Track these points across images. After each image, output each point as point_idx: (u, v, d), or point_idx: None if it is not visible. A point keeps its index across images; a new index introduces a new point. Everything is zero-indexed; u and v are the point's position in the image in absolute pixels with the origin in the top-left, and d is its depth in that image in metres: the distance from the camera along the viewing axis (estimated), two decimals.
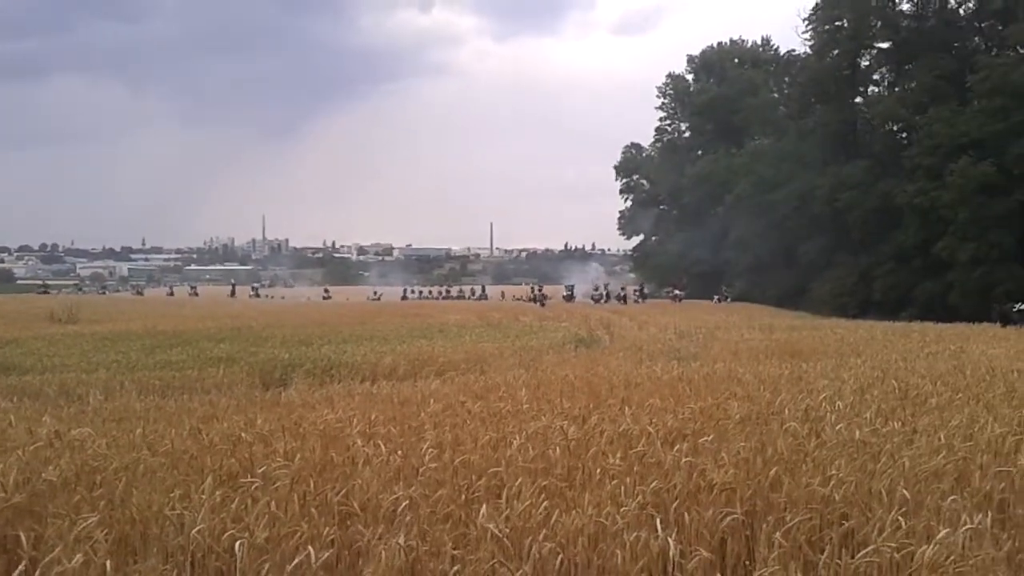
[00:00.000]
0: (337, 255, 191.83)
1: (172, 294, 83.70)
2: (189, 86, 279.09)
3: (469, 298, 74.14)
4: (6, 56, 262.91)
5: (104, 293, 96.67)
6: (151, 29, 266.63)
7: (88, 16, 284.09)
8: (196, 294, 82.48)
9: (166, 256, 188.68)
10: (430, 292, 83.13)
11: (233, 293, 78.32)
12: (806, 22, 52.40)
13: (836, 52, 50.80)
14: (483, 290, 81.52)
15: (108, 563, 4.12)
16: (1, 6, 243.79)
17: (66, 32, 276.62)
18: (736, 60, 76.16)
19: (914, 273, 42.66)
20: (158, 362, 16.26)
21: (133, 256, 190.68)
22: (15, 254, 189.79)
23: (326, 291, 79.28)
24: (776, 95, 66.39)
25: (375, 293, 76.31)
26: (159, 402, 10.56)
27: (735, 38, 78.59)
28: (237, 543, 4.29)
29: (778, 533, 4.53)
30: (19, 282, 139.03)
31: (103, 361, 16.20)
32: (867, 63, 52.64)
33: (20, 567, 4.18)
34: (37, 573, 4.08)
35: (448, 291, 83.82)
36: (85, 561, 4.10)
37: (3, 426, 8.10)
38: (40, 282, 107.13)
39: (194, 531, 4.54)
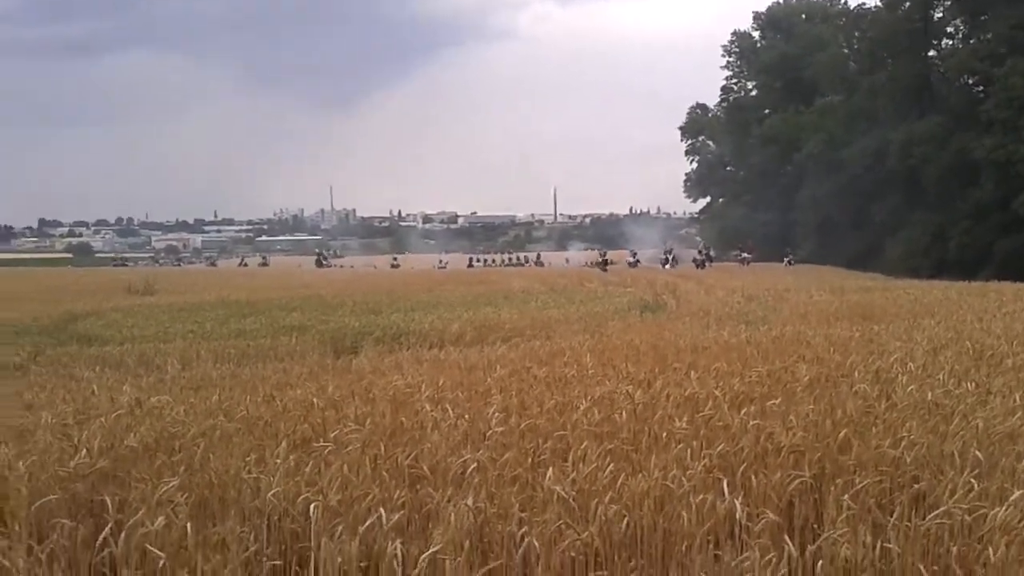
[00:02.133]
0: (403, 224, 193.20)
1: (245, 264, 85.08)
2: (254, 57, 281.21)
3: (524, 265, 74.03)
4: (73, 35, 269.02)
5: (179, 265, 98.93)
6: (212, 1, 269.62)
7: None
8: (266, 264, 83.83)
9: (237, 227, 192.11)
10: (492, 260, 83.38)
11: (320, 263, 77.32)
12: None
13: (908, 4, 49.21)
14: (538, 257, 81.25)
15: (188, 525, 4.28)
16: None
17: (130, 8, 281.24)
18: (804, 15, 74.16)
19: (991, 231, 41.41)
20: (232, 331, 16.64)
21: (206, 228, 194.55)
22: (92, 228, 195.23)
23: (395, 259, 79.94)
24: (846, 50, 64.38)
25: (441, 261, 76.78)
26: (234, 370, 10.86)
27: None
28: (311, 505, 4.41)
29: (846, 496, 4.51)
30: (97, 255, 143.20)
31: (179, 331, 16.64)
32: (940, 15, 50.91)
33: (106, 529, 4.36)
34: (122, 535, 4.25)
35: (509, 259, 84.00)
36: (167, 524, 4.26)
37: (87, 395, 8.45)
38: (116, 255, 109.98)
39: (269, 494, 4.69)
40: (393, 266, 72.20)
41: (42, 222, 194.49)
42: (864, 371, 7.95)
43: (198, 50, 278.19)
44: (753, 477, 4.85)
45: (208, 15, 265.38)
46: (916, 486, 4.84)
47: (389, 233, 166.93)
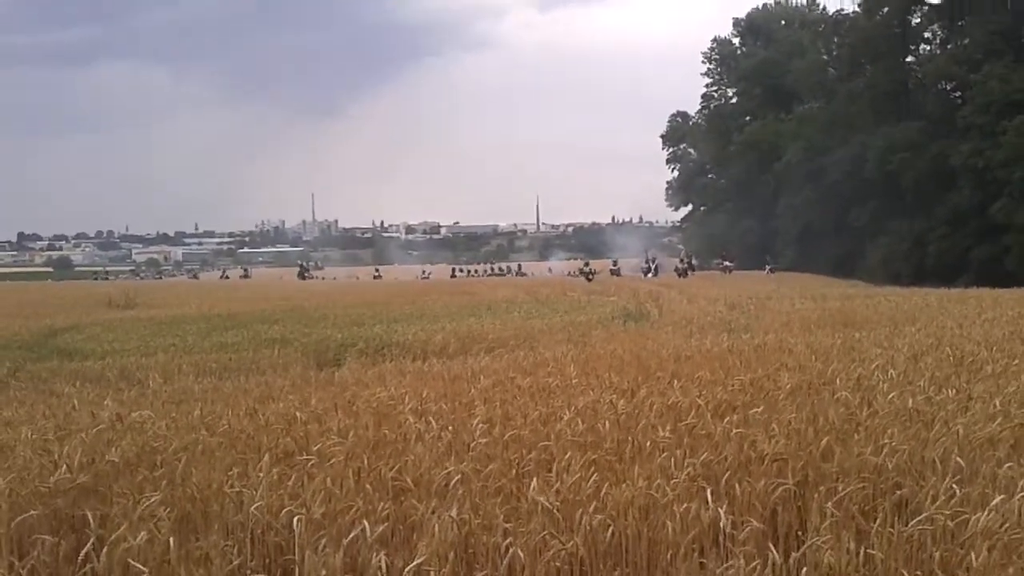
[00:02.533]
0: (386, 234, 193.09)
1: (227, 277, 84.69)
2: (233, 67, 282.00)
3: (507, 275, 74.32)
4: (53, 45, 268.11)
5: (160, 278, 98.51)
6: (191, 11, 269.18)
7: (130, 3, 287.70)
8: (248, 276, 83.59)
9: (219, 240, 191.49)
10: (475, 271, 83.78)
11: (302, 275, 76.36)
12: None
13: (886, 10, 49.76)
14: (519, 268, 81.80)
15: (172, 539, 4.26)
16: None
17: (109, 19, 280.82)
18: (783, 21, 74.82)
19: (969, 237, 41.84)
20: (214, 344, 16.56)
21: (187, 240, 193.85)
22: (72, 241, 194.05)
23: (377, 271, 80.00)
24: (825, 56, 65.03)
25: (424, 272, 76.85)
26: (216, 383, 10.80)
27: None
28: (295, 519, 4.39)
29: (830, 503, 4.52)
30: (77, 268, 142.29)
31: (161, 345, 16.54)
32: (918, 20, 51.54)
33: (88, 544, 4.33)
34: (104, 550, 4.22)
35: (492, 269, 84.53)
36: (149, 538, 4.24)
37: (67, 410, 8.36)
38: (100, 269, 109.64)
39: (253, 508, 4.67)
40: (375, 277, 72.21)
41: (21, 236, 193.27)
42: (846, 378, 7.99)
43: (178, 61, 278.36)
44: (737, 485, 4.86)
45: (188, 26, 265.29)
46: (898, 492, 4.86)
47: (371, 244, 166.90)
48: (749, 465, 5.24)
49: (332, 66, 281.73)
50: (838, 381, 7.88)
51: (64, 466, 5.52)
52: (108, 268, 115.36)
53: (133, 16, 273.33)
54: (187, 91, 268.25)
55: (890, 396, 6.86)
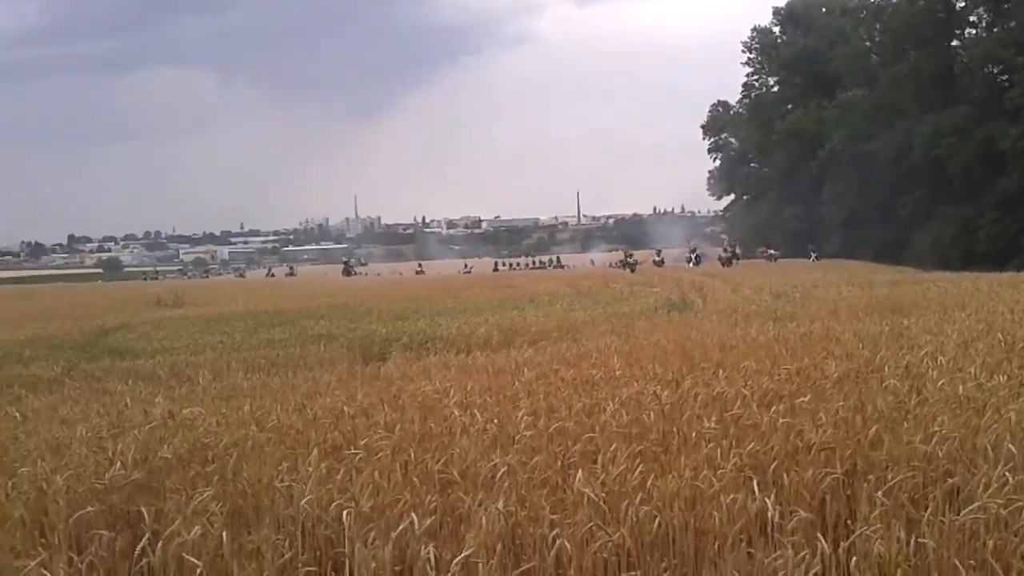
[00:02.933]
0: (428, 230, 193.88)
1: (272, 275, 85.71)
2: (276, 71, 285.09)
3: (547, 267, 74.62)
4: (101, 52, 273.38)
5: (207, 277, 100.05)
6: (236, 17, 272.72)
7: (176, 9, 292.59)
8: (293, 273, 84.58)
9: (264, 238, 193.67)
10: (516, 264, 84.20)
11: (347, 272, 76.92)
12: None
13: None
14: (557, 260, 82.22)
15: (224, 534, 4.34)
16: (95, 5, 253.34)
17: (155, 26, 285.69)
18: (824, 9, 73.75)
19: (1020, 221, 41.01)
20: (261, 341, 16.80)
21: (233, 240, 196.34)
22: (121, 242, 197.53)
23: (419, 266, 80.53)
24: (868, 43, 63.99)
25: (466, 266, 77.20)
26: (264, 380, 10.95)
27: None
28: (344, 512, 4.45)
29: (879, 492, 4.47)
30: (126, 269, 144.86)
31: (209, 342, 16.81)
32: (962, 4, 50.45)
33: (144, 540, 4.43)
34: (159, 545, 4.31)
35: (532, 262, 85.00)
36: (203, 533, 4.32)
37: (120, 407, 8.54)
38: (150, 269, 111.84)
39: (303, 502, 4.73)
40: (418, 272, 72.65)
41: (72, 238, 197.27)
42: (894, 366, 7.88)
43: (223, 65, 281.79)
44: (784, 475, 4.84)
45: (232, 30, 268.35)
46: (949, 481, 4.79)
47: (414, 240, 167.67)
48: (796, 455, 5.19)
49: (372, 68, 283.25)
50: (886, 369, 7.77)
51: (119, 463, 5.65)
52: (157, 268, 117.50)
53: (178, 23, 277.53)
54: (232, 95, 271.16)
55: (940, 383, 6.75)
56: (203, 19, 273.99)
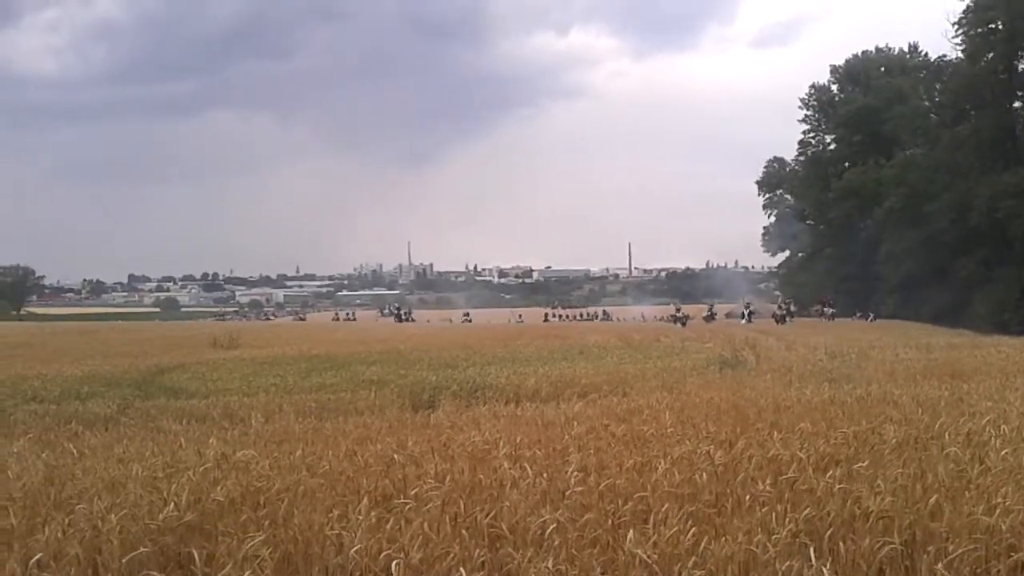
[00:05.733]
0: (479, 278, 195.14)
1: (337, 318, 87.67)
2: (334, 117, 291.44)
3: (595, 319, 75.07)
4: (165, 96, 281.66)
5: (269, 319, 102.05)
6: (296, 64, 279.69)
7: (238, 55, 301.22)
8: (353, 318, 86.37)
9: (319, 282, 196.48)
10: (565, 315, 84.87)
11: (399, 318, 78.70)
12: (956, 26, 50.11)
13: (991, 55, 48.29)
14: (604, 313, 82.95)
15: None
16: (161, 50, 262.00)
17: (218, 71, 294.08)
18: (882, 68, 73.44)
19: None
20: (313, 385, 16.93)
21: (288, 283, 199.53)
22: (179, 283, 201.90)
23: (466, 315, 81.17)
24: (927, 103, 63.45)
25: (517, 316, 77.53)
26: (316, 424, 11.00)
27: (880, 46, 76.01)
28: (393, 563, 4.45)
29: (940, 564, 4.36)
30: (183, 309, 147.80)
31: (262, 384, 16.99)
32: None
33: None
34: None
35: (580, 314, 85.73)
36: None
37: (174, 448, 8.66)
38: (218, 309, 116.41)
39: (352, 551, 4.74)
40: (465, 320, 73.07)
41: (131, 277, 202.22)
42: (954, 433, 7.68)
43: (282, 109, 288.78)
44: (841, 543, 4.73)
45: (292, 76, 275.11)
46: (1014, 556, 4.64)
47: (466, 287, 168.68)
48: (853, 522, 5.08)
49: (428, 115, 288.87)
50: (947, 435, 7.58)
51: (172, 504, 5.70)
52: (224, 309, 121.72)
53: (240, 68, 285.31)
54: (290, 140, 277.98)
55: (1003, 453, 6.58)
56: (264, 65, 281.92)
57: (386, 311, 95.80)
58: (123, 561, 4.91)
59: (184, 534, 5.41)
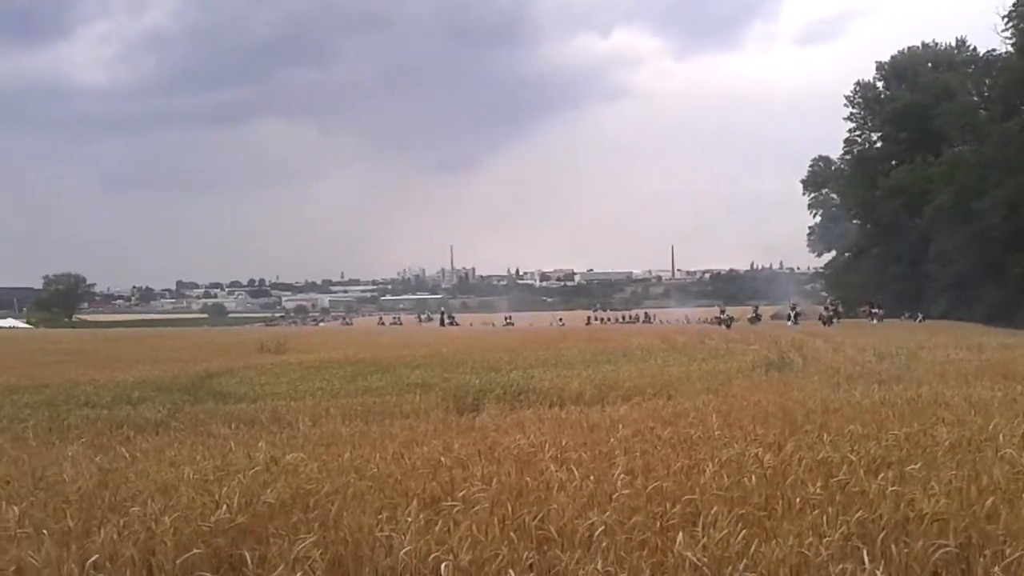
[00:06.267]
0: (521, 282, 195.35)
1: (382, 323, 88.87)
2: (377, 124, 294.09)
3: (637, 322, 74.98)
4: (211, 106, 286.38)
5: (318, 324, 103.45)
6: (339, 72, 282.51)
7: (282, 65, 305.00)
8: (399, 323, 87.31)
9: (363, 287, 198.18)
10: (607, 318, 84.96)
11: (443, 322, 78.82)
12: (1006, 19, 49.26)
13: None
14: (645, 315, 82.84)
15: None
16: (207, 62, 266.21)
17: (263, 80, 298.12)
18: (929, 64, 72.24)
19: None
20: (359, 388, 17.04)
21: (333, 288, 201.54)
22: (226, 289, 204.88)
23: (508, 318, 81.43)
24: (976, 98, 62.32)
25: (560, 320, 77.52)
26: (362, 427, 11.09)
27: (927, 41, 74.78)
28: (443, 565, 4.47)
29: (997, 567, 4.28)
30: (230, 315, 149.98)
31: (309, 388, 17.14)
32: None
33: None
34: None
35: (622, 317, 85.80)
36: None
37: (224, 451, 8.77)
38: (269, 315, 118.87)
39: (402, 552, 4.77)
40: (506, 324, 73.25)
41: (180, 284, 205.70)
42: (1009, 435, 7.53)
43: (326, 117, 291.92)
44: (894, 546, 4.66)
45: (335, 83, 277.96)
46: None
47: (507, 291, 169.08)
48: (907, 525, 5.01)
49: (470, 121, 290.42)
50: (1001, 437, 7.43)
51: (224, 506, 5.78)
52: (275, 315, 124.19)
53: (283, 77, 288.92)
54: (334, 147, 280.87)
55: None
56: (308, 73, 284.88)
57: (424, 316, 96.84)
58: (177, 562, 4.99)
59: (236, 536, 5.48)
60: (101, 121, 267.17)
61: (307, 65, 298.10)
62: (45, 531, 5.51)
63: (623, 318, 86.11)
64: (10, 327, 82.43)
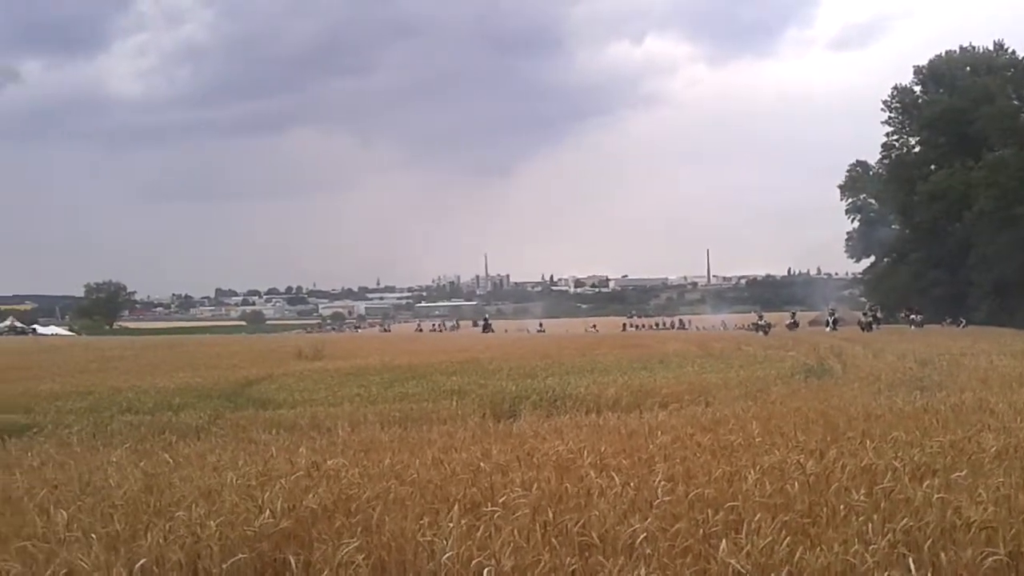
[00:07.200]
0: (555, 288, 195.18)
1: (420, 330, 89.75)
2: (413, 132, 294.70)
3: (671, 328, 74.72)
4: (249, 115, 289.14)
5: (356, 331, 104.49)
6: (375, 81, 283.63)
7: (318, 74, 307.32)
8: (435, 329, 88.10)
9: (399, 294, 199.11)
10: (642, 324, 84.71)
11: (485, 329, 78.40)
12: None
13: None
14: (679, 322, 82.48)
15: None
16: (244, 71, 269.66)
17: (300, 89, 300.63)
18: (968, 68, 71.12)
19: None
20: (396, 394, 17.13)
21: (369, 295, 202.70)
22: (264, 297, 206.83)
23: (540, 325, 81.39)
24: (1016, 102, 61.27)
25: (593, 326, 77.28)
26: (401, 433, 11.14)
27: (965, 45, 73.62)
28: (485, 570, 4.48)
29: None
30: (268, 322, 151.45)
31: (347, 394, 17.25)
32: None
33: None
34: None
35: (657, 323, 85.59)
36: None
37: (266, 457, 8.85)
38: (311, 322, 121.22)
39: (444, 557, 4.79)
40: (539, 331, 73.28)
41: (218, 291, 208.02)
42: None
43: (363, 125, 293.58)
44: (942, 554, 4.60)
45: (372, 92, 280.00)
46: None
47: (541, 297, 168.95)
48: (954, 533, 4.94)
49: (504, 129, 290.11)
50: None
51: (267, 511, 5.83)
52: (318, 321, 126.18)
53: (319, 86, 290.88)
54: (370, 155, 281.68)
55: None
56: (343, 82, 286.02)
57: (451, 324, 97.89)
58: (223, 567, 5.05)
59: (280, 541, 5.54)
60: (140, 133, 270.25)
61: (344, 75, 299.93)
62: (93, 535, 5.60)
63: (658, 324, 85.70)
64: (53, 334, 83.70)
